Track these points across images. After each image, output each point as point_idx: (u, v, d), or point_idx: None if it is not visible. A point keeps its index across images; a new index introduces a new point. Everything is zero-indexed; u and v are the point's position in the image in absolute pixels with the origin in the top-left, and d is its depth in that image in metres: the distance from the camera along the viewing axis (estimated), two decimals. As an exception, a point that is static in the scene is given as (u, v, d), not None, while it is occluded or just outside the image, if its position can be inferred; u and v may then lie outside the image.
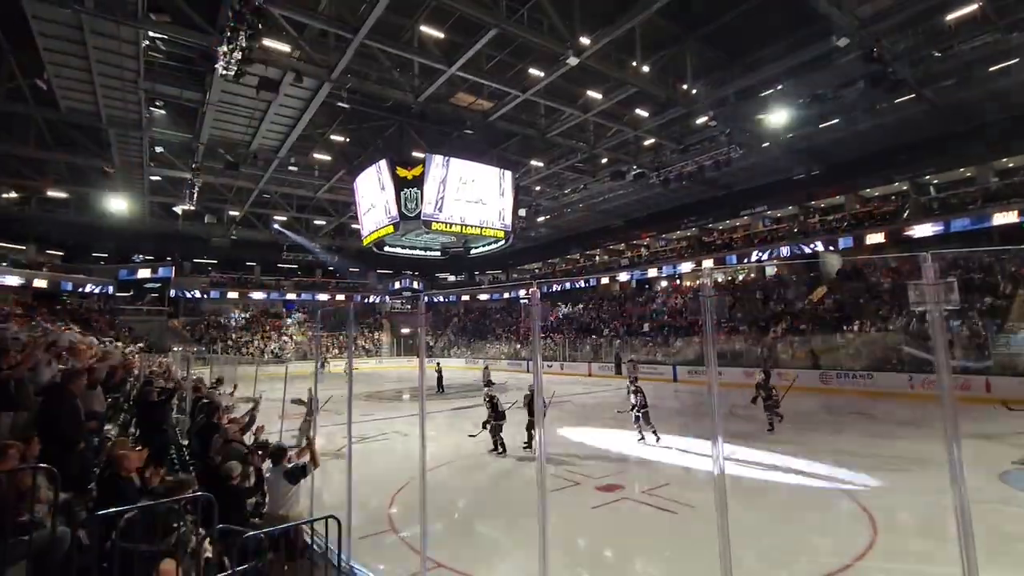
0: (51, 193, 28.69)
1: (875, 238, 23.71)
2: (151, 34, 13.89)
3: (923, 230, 22.19)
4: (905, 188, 25.08)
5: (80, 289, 33.69)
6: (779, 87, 18.17)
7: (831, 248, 25.36)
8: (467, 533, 6.94)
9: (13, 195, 28.73)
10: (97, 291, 34.50)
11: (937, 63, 15.99)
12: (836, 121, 20.81)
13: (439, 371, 23.38)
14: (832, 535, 6.29)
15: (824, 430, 12.55)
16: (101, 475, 4.51)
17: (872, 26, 13.93)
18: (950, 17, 14.42)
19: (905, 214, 23.40)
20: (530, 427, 10.62)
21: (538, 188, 30.35)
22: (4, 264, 29.45)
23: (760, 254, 27.93)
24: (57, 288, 32.10)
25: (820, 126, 21.17)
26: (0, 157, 24.39)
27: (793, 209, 29.80)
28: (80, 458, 4.59)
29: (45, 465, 3.17)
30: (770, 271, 29.51)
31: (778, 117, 19.03)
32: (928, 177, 24.83)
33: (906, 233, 22.67)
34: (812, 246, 25.82)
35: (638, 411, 11.28)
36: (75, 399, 4.79)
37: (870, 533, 6.10)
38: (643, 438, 11.28)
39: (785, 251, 26.87)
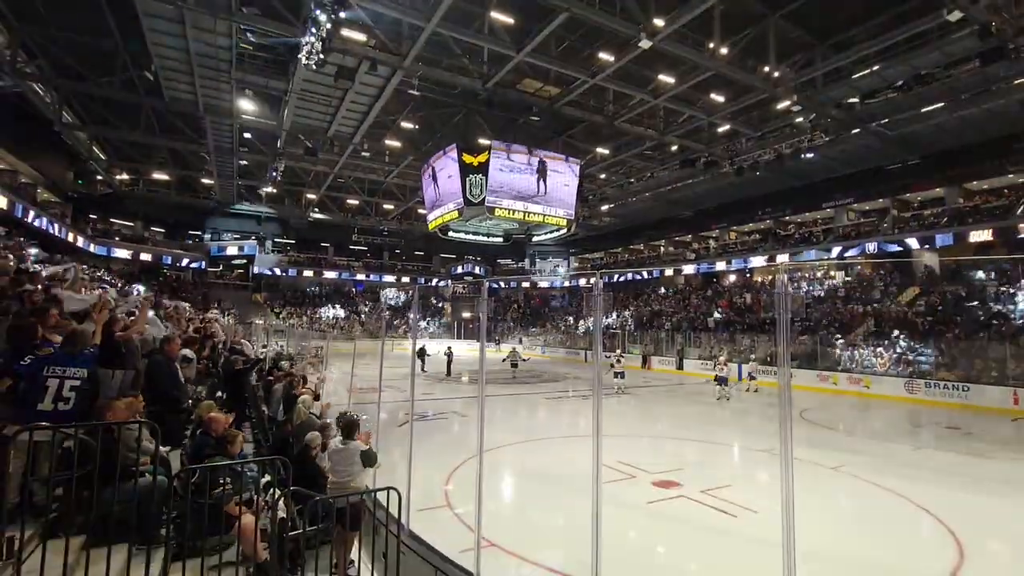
0: (156, 175, 31.88)
1: (981, 236, 21.31)
2: (242, 26, 14.84)
3: (1041, 229, 19.66)
4: (1021, 181, 22.27)
5: (178, 263, 37.12)
6: (874, 68, 16.64)
7: (927, 246, 23.11)
8: (520, 516, 7.08)
9: (125, 176, 32.16)
10: (192, 266, 37.88)
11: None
12: (940, 105, 18.73)
13: (449, 354, 23.95)
14: (910, 557, 5.83)
15: (908, 443, 11.61)
16: (192, 433, 5.00)
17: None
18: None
19: (1020, 210, 20.82)
20: None
21: (603, 176, 29.75)
22: (117, 239, 32.97)
23: (843, 250, 25.90)
24: (159, 262, 35.56)
25: (922, 110, 19.16)
26: (116, 143, 27.37)
27: (883, 202, 27.33)
28: (177, 416, 5.09)
29: (148, 421, 3.55)
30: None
31: (871, 101, 17.44)
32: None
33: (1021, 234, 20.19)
34: (903, 243, 23.61)
35: None
36: (173, 362, 5.31)
37: (955, 558, 5.61)
38: None
39: (872, 247, 24.74)
